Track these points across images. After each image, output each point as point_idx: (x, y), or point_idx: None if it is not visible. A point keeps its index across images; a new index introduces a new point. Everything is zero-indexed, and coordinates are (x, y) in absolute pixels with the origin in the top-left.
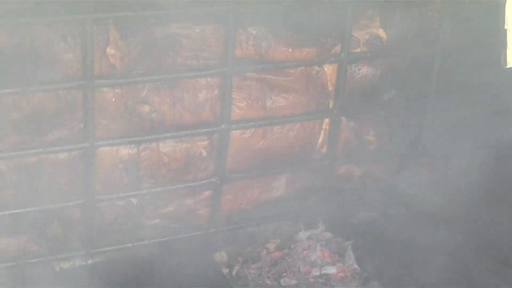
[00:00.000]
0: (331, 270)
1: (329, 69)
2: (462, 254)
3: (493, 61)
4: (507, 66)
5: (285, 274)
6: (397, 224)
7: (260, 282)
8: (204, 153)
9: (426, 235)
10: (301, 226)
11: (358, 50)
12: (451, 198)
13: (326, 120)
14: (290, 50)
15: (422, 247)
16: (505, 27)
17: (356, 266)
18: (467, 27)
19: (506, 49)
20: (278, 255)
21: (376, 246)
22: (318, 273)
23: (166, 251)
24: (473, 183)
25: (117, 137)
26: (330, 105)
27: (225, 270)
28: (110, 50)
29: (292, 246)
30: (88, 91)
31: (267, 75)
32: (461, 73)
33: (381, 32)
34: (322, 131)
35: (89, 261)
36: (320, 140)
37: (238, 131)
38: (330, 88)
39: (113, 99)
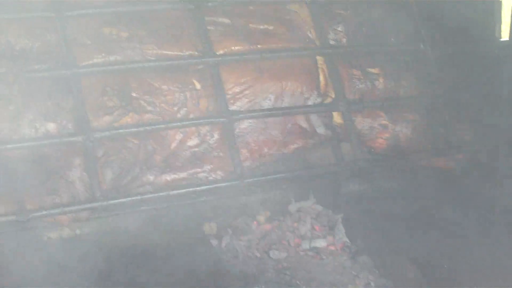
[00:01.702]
0: (321, 243)
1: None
2: (455, 230)
3: (488, 33)
4: (501, 39)
5: (274, 246)
6: (388, 197)
7: (250, 254)
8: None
9: (418, 209)
10: (292, 198)
11: None
12: None
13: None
14: None
15: (414, 221)
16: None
17: (346, 239)
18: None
19: (500, 21)
20: (268, 227)
21: (367, 220)
22: (308, 246)
23: (156, 222)
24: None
25: None
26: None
27: (215, 242)
28: None
29: (282, 219)
30: None
31: None
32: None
33: None
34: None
35: (78, 231)
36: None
37: None
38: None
39: None
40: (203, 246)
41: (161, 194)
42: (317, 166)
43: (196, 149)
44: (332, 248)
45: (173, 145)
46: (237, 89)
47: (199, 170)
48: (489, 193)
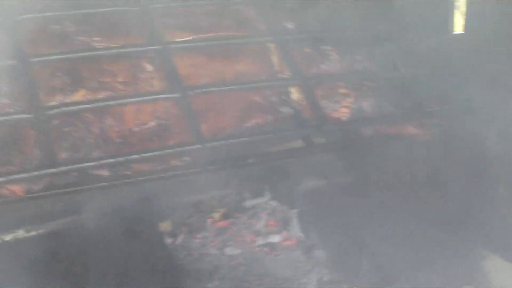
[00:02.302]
0: (276, 238)
1: None
2: (408, 222)
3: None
4: (454, 32)
5: (230, 243)
6: (345, 192)
7: (205, 251)
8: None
9: (373, 204)
10: (247, 194)
11: None
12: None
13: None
14: None
15: (368, 215)
16: None
17: (300, 234)
18: None
19: (453, 15)
20: (223, 224)
21: (322, 215)
22: (263, 242)
23: (111, 220)
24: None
25: None
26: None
27: (169, 240)
28: None
29: (237, 215)
30: None
31: None
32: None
33: None
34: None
35: (32, 233)
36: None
37: None
38: None
39: None
40: (158, 244)
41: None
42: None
43: (154, 126)
44: (287, 243)
45: (130, 122)
46: (189, 71)
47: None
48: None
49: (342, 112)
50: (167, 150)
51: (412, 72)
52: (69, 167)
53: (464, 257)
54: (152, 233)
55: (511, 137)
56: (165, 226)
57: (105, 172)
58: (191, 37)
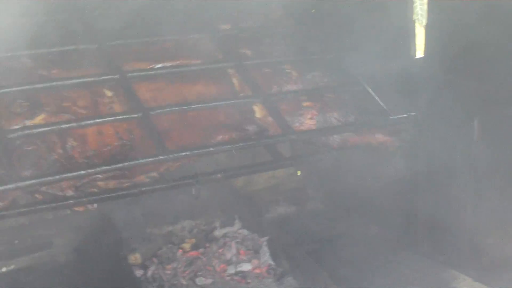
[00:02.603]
0: (247, 267)
1: None
2: (378, 246)
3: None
4: (416, 57)
5: (200, 273)
6: (314, 218)
7: (176, 282)
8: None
9: (343, 228)
10: (217, 224)
11: None
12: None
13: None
14: None
15: (338, 240)
16: (414, 18)
17: (271, 262)
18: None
19: (415, 40)
20: (194, 254)
21: (292, 241)
22: (233, 271)
23: (80, 256)
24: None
25: None
26: None
27: (139, 272)
28: None
29: (207, 245)
30: None
31: None
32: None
33: None
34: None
35: (3, 269)
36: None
37: None
38: None
39: None
40: (128, 277)
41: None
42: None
43: (118, 146)
44: (258, 271)
45: (93, 143)
46: (150, 94)
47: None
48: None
49: (308, 124)
50: (131, 162)
51: (374, 84)
52: (33, 181)
53: (435, 278)
54: (123, 266)
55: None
56: (135, 258)
57: (69, 192)
58: (149, 67)
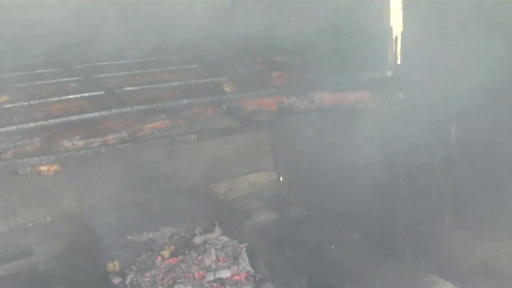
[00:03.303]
0: (226, 274)
1: None
2: (359, 253)
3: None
4: (394, 63)
5: (179, 280)
6: (296, 225)
7: None
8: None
9: (324, 235)
10: (197, 231)
11: None
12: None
13: None
14: None
15: (317, 246)
16: (391, 25)
17: (250, 268)
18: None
19: (392, 46)
20: (173, 261)
21: (272, 248)
22: (212, 278)
23: (60, 264)
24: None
25: None
26: None
27: (118, 280)
28: None
29: (187, 252)
30: None
31: None
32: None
33: None
34: None
35: None
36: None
37: None
38: None
39: None
40: (105, 285)
41: None
42: None
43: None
44: (237, 278)
45: None
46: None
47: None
48: None
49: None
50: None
51: None
52: None
53: (415, 284)
54: (101, 274)
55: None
56: (113, 266)
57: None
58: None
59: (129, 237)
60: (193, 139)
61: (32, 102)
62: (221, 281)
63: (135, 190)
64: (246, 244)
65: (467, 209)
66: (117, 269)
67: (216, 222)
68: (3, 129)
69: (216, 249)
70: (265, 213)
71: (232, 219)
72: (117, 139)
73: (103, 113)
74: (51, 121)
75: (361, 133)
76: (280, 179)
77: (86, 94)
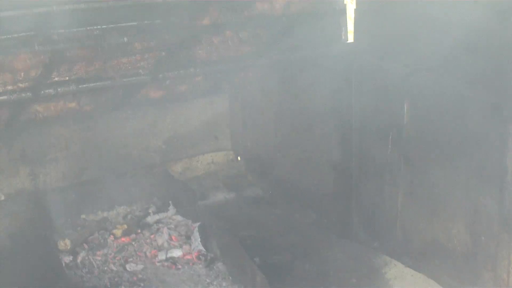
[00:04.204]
0: (177, 253)
1: None
2: (313, 233)
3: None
4: (347, 41)
5: (131, 259)
6: (252, 205)
7: (106, 268)
8: None
9: (280, 215)
10: (151, 210)
11: None
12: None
13: None
14: None
15: (273, 226)
16: (345, 2)
17: (201, 247)
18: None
19: (346, 24)
20: (125, 240)
21: (226, 227)
22: (164, 257)
23: (13, 243)
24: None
25: None
26: None
27: (69, 258)
28: None
29: (139, 231)
30: None
31: None
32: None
33: None
34: None
35: None
36: None
37: None
38: None
39: None
40: (56, 264)
41: None
42: None
43: None
44: (189, 257)
45: None
46: None
47: None
48: None
49: None
50: None
51: None
52: None
53: (367, 264)
54: (52, 252)
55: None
56: (64, 244)
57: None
58: None
59: (83, 216)
60: None
61: None
62: (173, 260)
63: (91, 168)
64: (198, 224)
65: (419, 189)
66: (69, 248)
67: (170, 202)
68: None
69: (169, 229)
70: (222, 193)
71: (187, 199)
72: None
73: None
74: None
75: (316, 109)
76: (237, 159)
77: None
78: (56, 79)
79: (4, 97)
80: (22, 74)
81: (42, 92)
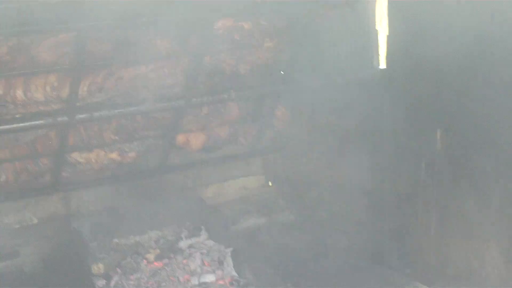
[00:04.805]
0: (210, 278)
1: None
2: (346, 258)
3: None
4: (379, 67)
5: (164, 284)
6: (284, 230)
7: None
8: None
9: (312, 240)
10: (183, 235)
11: None
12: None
13: None
14: None
15: (305, 251)
16: (376, 28)
17: (234, 273)
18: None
19: (378, 50)
20: (158, 265)
21: (257, 253)
22: (197, 282)
23: (46, 266)
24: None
25: None
26: None
27: (102, 282)
28: None
29: (172, 256)
30: None
31: None
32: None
33: None
34: None
35: None
36: None
37: None
38: None
39: None
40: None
41: None
42: None
43: None
44: (221, 282)
45: None
46: None
47: None
48: None
49: None
50: None
51: None
52: None
53: None
54: (85, 276)
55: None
56: (98, 268)
57: None
58: None
59: (116, 240)
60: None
61: None
62: (206, 285)
63: (124, 193)
64: (231, 249)
65: (452, 215)
66: (102, 272)
67: (202, 226)
68: None
69: (201, 253)
70: (253, 218)
71: (219, 224)
72: None
73: None
74: None
75: (348, 134)
76: (269, 184)
77: None
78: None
79: None
80: None
81: None
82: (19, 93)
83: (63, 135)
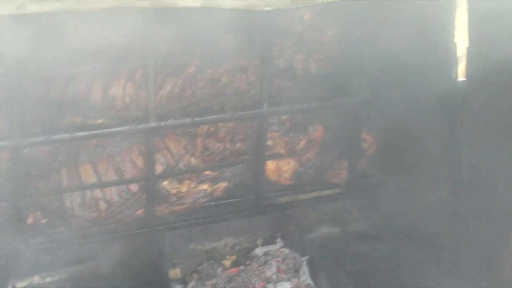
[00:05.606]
0: (286, 286)
1: None
2: (422, 270)
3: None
4: (459, 79)
5: None
6: (358, 239)
7: None
8: None
9: (387, 250)
10: (259, 242)
11: None
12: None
13: None
14: None
15: (380, 261)
16: (455, 41)
17: (310, 281)
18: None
19: (457, 62)
20: (234, 271)
21: (334, 262)
22: None
23: (123, 270)
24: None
25: None
26: None
27: (179, 287)
28: None
29: (248, 263)
30: None
31: None
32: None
33: None
34: None
35: (48, 279)
36: None
37: None
38: None
39: None
40: None
41: None
42: None
43: None
44: None
45: None
46: None
47: None
48: None
49: None
50: None
51: None
52: None
53: None
54: (163, 280)
55: None
56: (175, 273)
57: None
58: None
59: (192, 246)
60: None
61: None
62: None
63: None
64: (307, 257)
65: None
66: (179, 277)
67: (278, 234)
68: None
69: (277, 261)
70: (327, 226)
71: (294, 232)
72: None
73: None
74: None
75: (423, 145)
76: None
77: None
78: None
79: None
80: None
81: None
82: None
83: None
